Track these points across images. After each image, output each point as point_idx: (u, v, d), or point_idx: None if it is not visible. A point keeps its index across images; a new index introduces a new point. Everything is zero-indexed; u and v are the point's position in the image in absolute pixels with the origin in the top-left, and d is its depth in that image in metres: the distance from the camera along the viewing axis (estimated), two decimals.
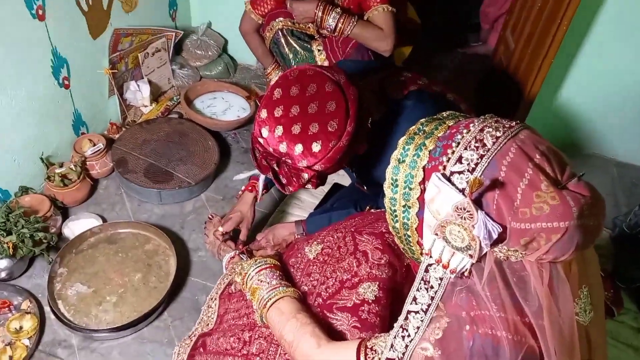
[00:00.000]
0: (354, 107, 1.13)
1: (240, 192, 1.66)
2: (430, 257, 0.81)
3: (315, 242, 1.22)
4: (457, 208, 0.74)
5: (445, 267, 0.79)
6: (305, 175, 1.14)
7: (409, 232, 0.85)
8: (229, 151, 2.13)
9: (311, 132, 1.11)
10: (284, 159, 1.16)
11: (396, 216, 0.85)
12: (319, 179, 1.17)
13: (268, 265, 1.18)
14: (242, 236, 1.62)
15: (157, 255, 1.64)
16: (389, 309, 1.07)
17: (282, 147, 1.14)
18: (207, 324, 1.32)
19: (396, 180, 0.83)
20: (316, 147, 1.11)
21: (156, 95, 2.25)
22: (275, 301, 1.09)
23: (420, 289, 0.83)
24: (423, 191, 0.80)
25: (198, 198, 1.89)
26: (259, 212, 1.86)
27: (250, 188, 1.62)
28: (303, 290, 1.14)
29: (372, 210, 1.34)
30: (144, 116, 2.14)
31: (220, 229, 1.59)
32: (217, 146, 2.00)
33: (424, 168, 0.81)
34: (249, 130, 2.24)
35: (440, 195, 0.76)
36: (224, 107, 2.25)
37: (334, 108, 1.12)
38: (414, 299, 0.84)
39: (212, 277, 1.63)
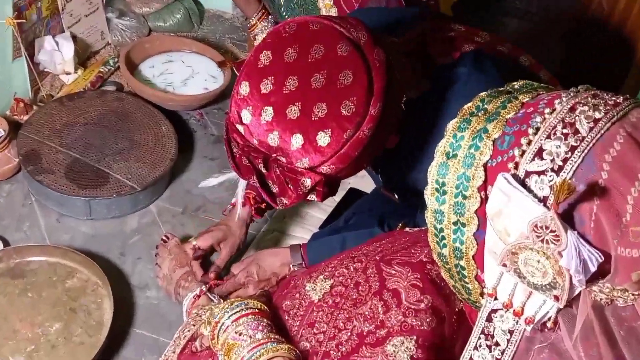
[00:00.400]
0: (381, 80, 1.13)
1: (229, 206, 1.67)
2: (496, 299, 0.81)
3: (321, 277, 1.23)
4: (537, 226, 0.74)
5: (517, 314, 0.79)
6: (307, 181, 1.14)
7: (462, 262, 0.85)
8: (191, 141, 2.14)
9: (316, 116, 1.12)
10: (274, 156, 1.16)
11: (443, 238, 0.86)
12: (328, 186, 1.17)
13: (251, 311, 1.19)
14: (220, 261, 1.63)
15: (85, 295, 1.64)
16: None
17: (273, 139, 1.14)
18: None
19: (443, 184, 0.83)
20: (323, 139, 1.12)
21: (84, 57, 2.26)
22: None
23: (480, 346, 0.83)
24: (485, 200, 0.81)
25: (146, 210, 1.91)
26: None
27: (242, 200, 1.63)
28: (303, 348, 1.14)
29: (408, 229, 1.34)
30: (65, 88, 2.15)
31: (194, 242, 1.60)
32: (173, 133, 2.01)
33: (485, 166, 0.81)
34: (222, 110, 2.26)
35: (511, 206, 0.76)
36: (185, 75, 2.27)
37: (350, 81, 1.12)
38: None
39: (166, 328, 1.63)
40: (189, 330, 1.41)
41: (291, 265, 1.58)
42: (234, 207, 1.66)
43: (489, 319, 0.83)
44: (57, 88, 2.15)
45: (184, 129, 2.14)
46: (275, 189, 1.18)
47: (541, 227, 0.74)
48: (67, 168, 1.86)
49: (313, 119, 1.12)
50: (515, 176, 0.78)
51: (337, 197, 1.94)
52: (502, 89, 0.89)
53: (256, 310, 1.20)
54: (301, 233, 1.84)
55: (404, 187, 1.47)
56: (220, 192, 1.96)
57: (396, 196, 1.59)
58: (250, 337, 1.14)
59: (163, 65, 2.28)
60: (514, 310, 0.80)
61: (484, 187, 0.81)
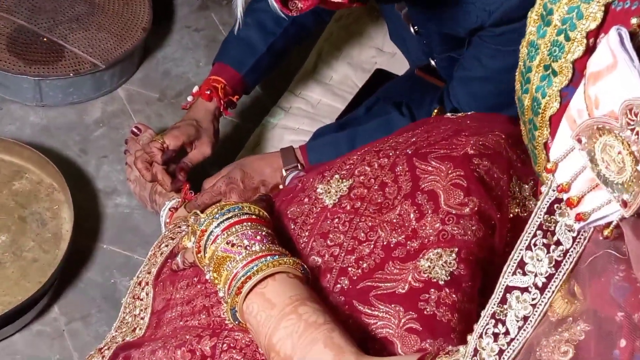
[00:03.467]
0: None
1: (189, 100, 1.67)
2: (553, 179, 0.80)
3: (337, 176, 1.23)
4: (631, 111, 0.71)
5: (571, 204, 0.78)
6: None
7: (536, 120, 0.84)
8: (170, 5, 2.12)
9: None
10: None
11: (528, 81, 0.84)
12: None
13: (246, 217, 1.19)
14: (189, 158, 1.61)
15: (38, 201, 1.67)
16: (476, 299, 1.09)
17: None
18: (134, 329, 1.36)
19: (551, 12, 0.81)
20: None
21: None
22: (260, 281, 1.10)
23: (535, 246, 0.83)
24: (590, 51, 0.78)
25: (113, 96, 1.91)
26: (228, 123, 1.87)
27: (208, 92, 1.63)
28: (313, 264, 1.16)
29: (449, 114, 1.34)
30: None
31: (160, 139, 1.56)
32: None
33: (607, 7, 0.77)
34: None
35: (614, 73, 0.73)
36: None
37: None
38: (521, 263, 0.84)
39: (140, 243, 1.67)
40: (166, 246, 1.43)
41: (283, 170, 1.57)
42: (196, 99, 1.65)
43: (550, 211, 0.82)
44: None
45: None
46: None
47: (636, 114, 0.71)
48: (10, 39, 1.85)
49: None
50: (634, 36, 0.73)
51: (360, 82, 1.93)
52: None
53: (253, 216, 1.20)
54: (312, 127, 1.82)
55: (443, 25, 1.45)
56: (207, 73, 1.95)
57: (432, 62, 1.58)
58: (245, 248, 1.14)
59: None
60: (568, 198, 0.78)
61: (595, 34, 0.78)
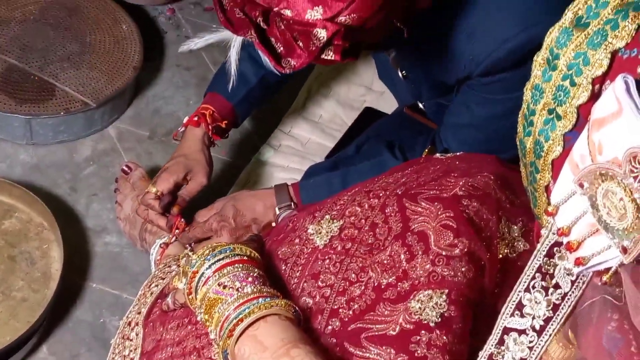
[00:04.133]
0: None
1: (181, 128, 1.67)
2: (553, 222, 0.80)
3: (327, 217, 1.23)
4: (635, 158, 0.71)
5: (570, 248, 0.79)
6: (322, 33, 1.12)
7: (538, 164, 0.85)
8: (160, 45, 2.12)
9: None
10: (277, 9, 1.13)
11: (531, 124, 0.85)
12: (348, 40, 1.15)
13: (238, 259, 1.19)
14: (186, 192, 1.59)
15: (27, 240, 1.66)
16: (467, 340, 1.08)
17: None
18: None
19: (557, 57, 0.82)
20: None
21: None
22: (252, 324, 1.10)
23: (534, 288, 0.84)
24: (595, 97, 0.79)
25: (103, 134, 1.91)
26: (217, 161, 1.87)
27: (196, 119, 1.62)
28: (304, 305, 1.16)
29: (439, 155, 1.34)
30: None
31: (153, 189, 1.58)
32: (137, 35, 2.00)
33: (614, 54, 0.79)
34: (200, 6, 2.23)
35: (619, 120, 0.74)
36: None
37: None
38: (519, 305, 0.85)
39: (130, 282, 1.66)
40: (156, 285, 1.42)
41: (276, 209, 1.57)
42: (185, 130, 1.64)
43: (549, 254, 0.83)
44: None
45: (150, 30, 2.13)
46: (279, 48, 1.16)
47: None
48: (1, 77, 1.85)
49: None
50: None
51: (349, 120, 1.94)
52: None
53: (245, 257, 1.19)
54: (302, 165, 1.83)
55: (428, 82, 1.46)
56: None
57: (421, 105, 1.58)
58: (237, 290, 1.14)
59: None
60: (567, 241, 0.79)
61: (601, 80, 0.80)
